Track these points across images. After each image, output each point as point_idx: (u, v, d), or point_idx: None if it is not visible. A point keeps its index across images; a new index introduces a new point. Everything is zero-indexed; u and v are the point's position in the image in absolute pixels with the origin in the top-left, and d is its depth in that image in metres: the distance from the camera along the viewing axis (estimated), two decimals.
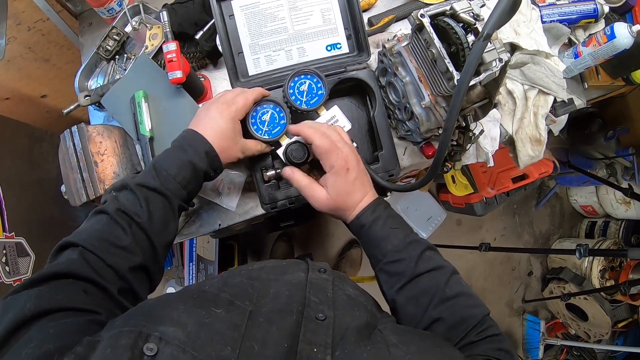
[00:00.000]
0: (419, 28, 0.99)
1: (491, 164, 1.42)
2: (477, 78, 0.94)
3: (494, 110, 1.42)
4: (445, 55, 0.93)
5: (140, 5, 1.40)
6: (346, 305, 0.72)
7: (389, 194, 2.78)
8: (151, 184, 0.89)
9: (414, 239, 0.92)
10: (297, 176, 1.01)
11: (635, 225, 3.21)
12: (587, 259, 3.06)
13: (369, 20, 1.42)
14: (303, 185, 1.00)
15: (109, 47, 1.38)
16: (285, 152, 1.03)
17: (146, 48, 1.35)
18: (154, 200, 0.88)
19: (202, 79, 1.34)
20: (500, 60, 0.95)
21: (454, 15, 0.97)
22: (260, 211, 1.27)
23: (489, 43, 0.93)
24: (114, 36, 1.38)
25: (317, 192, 0.98)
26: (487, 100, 1.07)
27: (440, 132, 1.15)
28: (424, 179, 1.01)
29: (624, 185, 2.80)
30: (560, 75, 1.42)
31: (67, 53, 1.87)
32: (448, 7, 0.97)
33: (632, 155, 2.85)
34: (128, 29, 1.43)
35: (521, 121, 1.46)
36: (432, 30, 0.95)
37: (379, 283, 0.95)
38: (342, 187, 0.95)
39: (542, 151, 1.50)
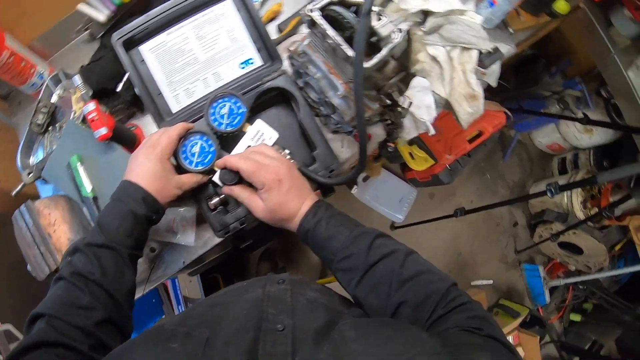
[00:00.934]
0: (312, 23, 1.01)
1: (432, 132, 1.43)
2: (380, 54, 0.96)
3: (421, 79, 1.44)
4: (341, 42, 0.95)
5: (60, 73, 1.40)
6: (306, 310, 0.73)
7: (355, 185, 2.80)
8: (98, 241, 0.91)
9: (360, 231, 0.93)
10: (235, 191, 1.03)
11: (603, 149, 3.23)
12: (565, 194, 3.10)
13: (279, 27, 1.45)
14: (243, 198, 1.02)
15: (39, 122, 1.39)
16: (220, 178, 1.05)
17: (75, 113, 1.35)
18: (104, 256, 0.90)
19: (133, 128, 1.35)
20: (400, 30, 0.97)
21: (343, 2, 0.99)
22: (217, 239, 1.29)
23: (383, 17, 0.96)
24: (42, 109, 1.39)
25: (256, 204, 1.00)
26: (404, 72, 1.10)
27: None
28: (358, 167, 1.03)
29: (580, 115, 2.83)
30: (478, 28, 1.43)
31: (6, 135, 1.86)
32: None
33: (580, 84, 2.87)
34: (54, 99, 1.43)
35: (452, 82, 1.48)
36: (324, 22, 0.97)
37: (340, 283, 0.95)
38: (276, 199, 0.97)
39: (481, 105, 1.52)
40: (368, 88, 1.12)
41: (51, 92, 1.42)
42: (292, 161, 1.06)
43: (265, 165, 0.97)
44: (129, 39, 1.16)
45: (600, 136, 3.09)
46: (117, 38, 1.14)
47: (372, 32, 0.97)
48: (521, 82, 3.08)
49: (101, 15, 1.39)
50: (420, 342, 0.63)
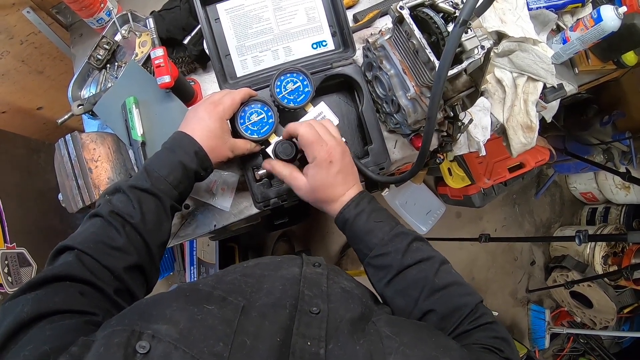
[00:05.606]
0: (399, 20, 0.99)
1: (483, 153, 1.43)
2: (460, 66, 0.94)
3: (484, 99, 1.43)
4: (426, 46, 0.94)
5: (129, 14, 1.41)
6: (341, 298, 0.72)
7: (387, 188, 2.80)
8: (143, 185, 0.90)
9: (400, 231, 0.92)
10: (277, 167, 1.02)
11: (636, 209, 3.21)
12: (588, 245, 3.06)
13: (354, 16, 1.44)
14: (284, 175, 1.01)
15: (99, 57, 1.39)
16: (274, 150, 1.04)
17: (136, 55, 1.36)
18: (146, 201, 0.90)
19: (192, 83, 1.35)
20: (483, 47, 0.96)
21: (433, 6, 0.98)
22: (254, 210, 1.28)
23: (470, 31, 0.94)
24: (104, 45, 1.39)
25: (298, 181, 0.99)
26: (474, 88, 1.08)
27: None
28: (413, 170, 1.01)
29: (622, 169, 2.78)
30: (548, 61, 1.43)
31: (60, 64, 1.88)
32: None
33: (628, 139, 2.82)
34: (118, 37, 1.44)
35: (511, 109, 1.46)
36: (412, 22, 0.95)
37: (368, 277, 0.95)
38: (323, 179, 0.95)
39: (534, 138, 1.51)
40: None
41: (116, 30, 1.43)
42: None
43: (323, 141, 0.95)
44: None
45: (636, 195, 3.07)
46: None
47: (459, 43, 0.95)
48: (570, 123, 3.03)
49: None
50: (451, 349, 0.65)
